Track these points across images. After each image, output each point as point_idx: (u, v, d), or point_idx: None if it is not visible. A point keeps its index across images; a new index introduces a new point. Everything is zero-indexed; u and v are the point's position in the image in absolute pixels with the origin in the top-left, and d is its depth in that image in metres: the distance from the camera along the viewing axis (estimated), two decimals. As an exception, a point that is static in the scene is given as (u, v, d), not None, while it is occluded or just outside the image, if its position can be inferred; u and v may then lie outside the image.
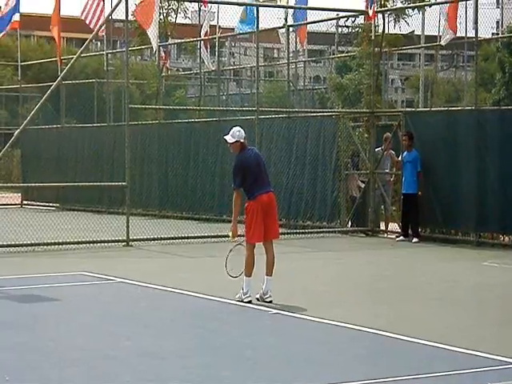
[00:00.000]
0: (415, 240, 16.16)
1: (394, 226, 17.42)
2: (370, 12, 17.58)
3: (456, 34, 17.01)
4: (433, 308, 9.91)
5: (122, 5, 16.17)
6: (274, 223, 10.11)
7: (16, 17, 23.57)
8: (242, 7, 22.22)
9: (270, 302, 9.79)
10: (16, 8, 23.14)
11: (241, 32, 22.81)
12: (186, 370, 7.02)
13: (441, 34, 19.63)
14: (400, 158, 16.83)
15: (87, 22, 22.15)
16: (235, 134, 10.04)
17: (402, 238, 16.45)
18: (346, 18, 22.25)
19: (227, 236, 16.76)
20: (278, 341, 8.19)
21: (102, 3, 21.83)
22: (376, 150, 17.62)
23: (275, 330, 8.70)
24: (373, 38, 18.24)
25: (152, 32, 19.07)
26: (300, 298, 10.38)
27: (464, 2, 19.14)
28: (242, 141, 10.06)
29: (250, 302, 9.80)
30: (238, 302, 9.86)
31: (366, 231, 17.54)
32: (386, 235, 17.40)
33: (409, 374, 6.85)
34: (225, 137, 10.14)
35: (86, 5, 22.15)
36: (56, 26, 22.30)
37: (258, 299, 9.87)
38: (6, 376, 6.79)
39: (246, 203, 10.12)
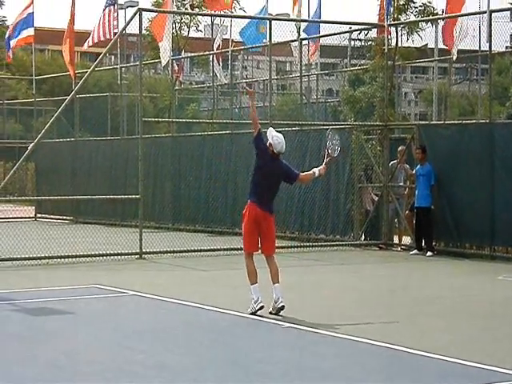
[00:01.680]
0: (429, 254, 16.09)
1: (407, 240, 17.37)
2: (386, 24, 17.58)
3: (451, 49, 17.01)
4: (447, 322, 9.85)
5: (136, 19, 16.24)
6: (269, 240, 10.02)
7: (30, 31, 23.77)
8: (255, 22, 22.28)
9: (283, 307, 9.74)
10: (27, 23, 23.31)
11: (244, 41, 22.84)
12: (199, 384, 7.00)
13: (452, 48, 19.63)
14: (413, 172, 16.79)
15: (96, 37, 22.25)
16: (283, 147, 9.98)
17: (415, 251, 16.39)
18: (358, 32, 22.26)
19: (240, 249, 16.78)
20: (291, 355, 8.16)
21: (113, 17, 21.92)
22: (391, 163, 17.58)
23: (288, 343, 8.67)
24: (386, 51, 18.24)
25: (163, 46, 19.16)
26: (313, 311, 10.34)
27: (478, 16, 19.15)
28: (274, 152, 9.99)
29: (262, 307, 9.75)
30: (250, 316, 9.83)
31: (379, 244, 17.49)
32: (399, 249, 17.34)
33: (423, 389, 6.80)
34: (273, 143, 9.98)
35: (100, 20, 22.27)
36: (68, 39, 22.44)
37: (271, 312, 9.83)
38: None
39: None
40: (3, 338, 8.87)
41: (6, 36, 24.53)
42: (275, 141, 10.00)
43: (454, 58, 16.99)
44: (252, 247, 10.01)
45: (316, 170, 10.22)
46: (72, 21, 22.87)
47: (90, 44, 22.38)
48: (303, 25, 22.88)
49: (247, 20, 22.19)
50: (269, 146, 10.04)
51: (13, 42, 24.07)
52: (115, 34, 20.80)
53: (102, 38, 21.96)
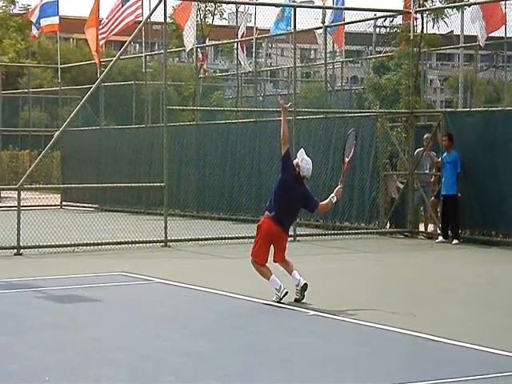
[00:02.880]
0: (455, 242, 16.02)
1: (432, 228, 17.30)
2: (413, 10, 17.48)
3: (488, 34, 16.87)
4: (473, 310, 9.81)
5: (161, 7, 16.25)
6: (281, 250, 10.05)
7: (55, 20, 23.84)
8: (279, 8, 22.23)
9: (305, 285, 9.77)
10: (52, 11, 23.35)
11: (276, 32, 22.80)
12: (224, 371, 7.02)
13: (479, 34, 19.46)
14: (439, 159, 16.70)
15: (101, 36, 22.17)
16: (305, 171, 9.93)
17: (441, 239, 16.32)
18: (383, 18, 22.14)
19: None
20: (316, 342, 8.16)
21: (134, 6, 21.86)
22: (416, 151, 17.49)
23: (313, 331, 8.67)
24: (411, 37, 18.13)
25: (187, 33, 19.16)
26: (338, 299, 10.34)
27: (504, 2, 18.96)
28: (300, 174, 9.93)
29: (287, 293, 9.76)
30: (275, 303, 9.83)
31: (404, 232, 17.43)
32: (425, 237, 17.27)
33: (448, 377, 6.78)
34: (302, 167, 9.93)
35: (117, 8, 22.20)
36: (93, 28, 22.45)
37: (296, 300, 9.82)
38: (47, 377, 6.85)
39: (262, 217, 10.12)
40: (30, 325, 8.95)
41: (35, 17, 24.47)
42: (304, 164, 9.90)
43: (482, 44, 16.83)
44: (265, 260, 10.04)
45: (333, 197, 10.05)
46: (97, 9, 22.89)
47: (114, 33, 22.33)
48: (328, 13, 22.79)
49: (272, 10, 22.08)
50: (296, 166, 9.96)
51: (42, 22, 24.03)
52: (139, 22, 20.78)
53: (126, 22, 21.82)
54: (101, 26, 22.22)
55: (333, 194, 10.10)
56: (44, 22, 24.10)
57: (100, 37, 22.11)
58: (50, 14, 23.63)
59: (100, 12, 23.03)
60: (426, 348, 7.92)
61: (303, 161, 9.94)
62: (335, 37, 23.36)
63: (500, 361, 7.38)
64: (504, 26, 18.80)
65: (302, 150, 10.20)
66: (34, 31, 25.33)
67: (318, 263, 10.67)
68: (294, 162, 10.01)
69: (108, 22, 21.94)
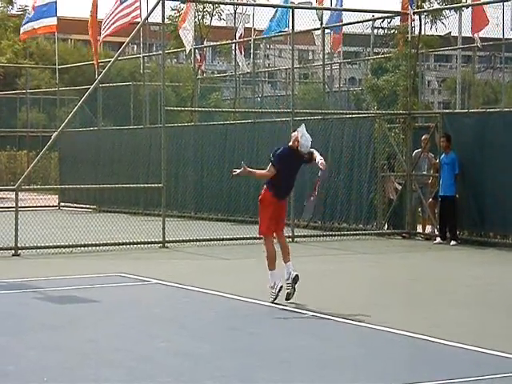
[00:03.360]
0: (453, 243, 16.03)
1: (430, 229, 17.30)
2: (411, 11, 17.48)
3: (477, 35, 16.90)
4: (471, 311, 9.82)
5: (159, 8, 16.25)
6: (283, 221, 10.30)
7: (53, 20, 23.80)
8: (276, 10, 22.23)
9: (297, 276, 9.78)
10: (49, 12, 23.29)
11: (269, 34, 22.77)
12: (222, 372, 7.02)
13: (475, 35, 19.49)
14: (437, 160, 16.71)
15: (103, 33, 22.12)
16: (303, 147, 9.93)
17: (439, 240, 16.33)
18: (381, 20, 22.16)
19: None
20: (314, 344, 8.16)
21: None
22: (414, 152, 17.50)
23: (311, 332, 8.67)
24: (409, 39, 18.14)
25: (184, 33, 19.14)
26: (335, 300, 10.34)
27: (501, 4, 18.99)
28: (298, 149, 9.95)
29: (281, 287, 9.78)
30: (273, 305, 9.83)
31: (402, 233, 17.44)
32: (422, 238, 17.27)
33: (447, 379, 6.78)
34: (301, 143, 9.91)
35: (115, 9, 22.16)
36: (92, 29, 22.46)
37: (288, 294, 9.80)
38: (45, 377, 6.85)
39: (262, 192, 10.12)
40: (28, 325, 8.94)
41: (26, 18, 24.43)
42: (304, 141, 9.89)
43: (479, 45, 16.85)
44: (271, 233, 10.14)
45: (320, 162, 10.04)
46: (95, 10, 22.89)
47: (108, 33, 22.26)
48: (325, 14, 22.80)
49: (270, 11, 22.07)
50: (294, 141, 9.95)
51: (28, 26, 23.93)
52: (137, 23, 20.78)
53: (120, 23, 21.77)
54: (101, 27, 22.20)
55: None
56: (40, 23, 24.02)
57: (101, 36, 22.07)
58: (48, 14, 23.57)
59: (98, 14, 23.06)
60: (424, 349, 7.92)
61: (303, 137, 9.91)
62: (333, 38, 23.40)
63: (497, 362, 7.39)
64: (502, 26, 18.86)
65: (303, 125, 10.14)
66: (21, 32, 25.25)
67: (315, 264, 10.68)
68: (293, 135, 9.98)
69: (106, 22, 21.89)
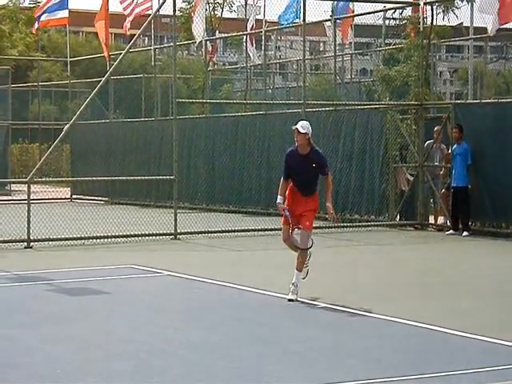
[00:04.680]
0: (465, 234, 15.98)
1: (442, 220, 17.24)
2: (422, 1, 17.41)
3: (502, 23, 16.77)
4: (483, 302, 9.79)
5: (170, 0, 16.24)
6: (306, 220, 9.84)
7: (65, 13, 23.83)
8: (288, 0, 22.20)
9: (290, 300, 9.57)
10: (62, 5, 23.33)
11: (283, 24, 22.74)
12: (234, 364, 7.02)
13: (489, 24, 19.36)
14: (449, 151, 16.66)
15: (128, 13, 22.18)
16: (305, 127, 9.79)
17: (451, 231, 16.28)
18: (393, 10, 22.07)
19: (274, 229, 16.75)
20: (327, 335, 8.15)
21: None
22: (426, 143, 17.44)
23: (323, 324, 8.67)
24: (421, 29, 18.06)
25: (196, 25, 19.12)
26: (348, 291, 10.33)
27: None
28: (309, 135, 9.80)
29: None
30: (284, 296, 9.82)
31: (414, 225, 17.40)
32: (435, 229, 17.23)
33: (462, 369, 6.76)
34: (296, 126, 9.82)
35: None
36: (102, 21, 22.45)
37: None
38: (58, 369, 6.86)
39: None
40: (40, 317, 8.97)
41: (39, 12, 24.50)
42: (305, 125, 9.77)
43: (492, 34, 16.74)
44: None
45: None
46: (106, 2, 22.89)
47: (129, 26, 22.35)
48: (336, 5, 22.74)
49: (281, 2, 22.05)
50: (304, 134, 9.74)
51: (44, 17, 24.00)
52: (148, 15, 20.79)
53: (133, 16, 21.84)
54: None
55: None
56: (53, 15, 24.05)
57: (126, 11, 22.10)
58: (60, 7, 23.60)
59: (109, 5, 23.06)
60: (436, 340, 7.90)
61: (298, 128, 9.76)
62: (342, 29, 23.33)
63: (511, 352, 7.36)
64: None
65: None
66: (36, 25, 25.30)
67: (327, 256, 10.67)
68: (296, 136, 9.81)
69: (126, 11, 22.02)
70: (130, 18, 22.08)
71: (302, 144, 9.80)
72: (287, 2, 22.27)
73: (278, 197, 10.02)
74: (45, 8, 24.06)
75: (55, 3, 23.51)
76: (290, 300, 9.51)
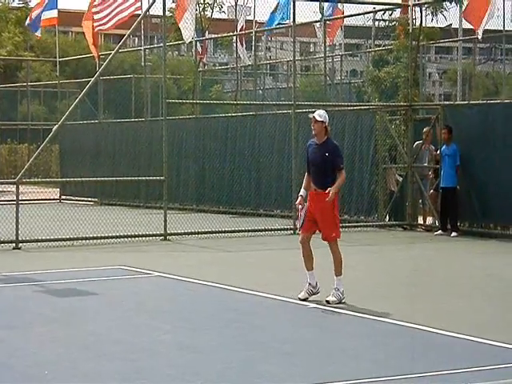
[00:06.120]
0: (454, 234, 16.03)
1: (431, 220, 17.29)
2: (411, 3, 17.46)
3: (477, 28, 16.84)
4: (472, 302, 9.82)
5: (159, 0, 16.22)
6: (324, 225, 9.77)
7: (54, 13, 23.76)
8: (277, 1, 22.19)
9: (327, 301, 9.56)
10: (50, 5, 23.24)
11: (271, 26, 22.74)
12: (225, 365, 7.02)
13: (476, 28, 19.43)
14: (438, 152, 16.71)
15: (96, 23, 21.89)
16: (322, 115, 9.72)
17: (440, 232, 16.33)
18: (382, 12, 22.12)
19: (264, 230, 16.75)
20: (317, 335, 8.17)
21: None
22: (415, 143, 17.49)
23: (314, 324, 8.68)
24: (410, 31, 18.11)
25: (185, 25, 19.06)
26: (338, 292, 10.32)
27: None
28: (327, 124, 9.72)
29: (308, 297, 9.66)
30: (275, 297, 9.83)
31: (403, 225, 17.44)
32: (423, 229, 17.27)
33: (450, 369, 6.79)
34: (313, 114, 9.74)
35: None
36: (90, 21, 22.30)
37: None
38: (46, 371, 6.85)
39: None
40: (29, 318, 8.95)
41: (33, 16, 24.41)
42: (322, 114, 9.73)
43: (480, 37, 16.83)
44: (303, 230, 9.90)
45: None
46: (93, 2, 22.79)
47: (110, 26, 22.12)
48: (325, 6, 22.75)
49: (271, 3, 22.06)
50: (321, 122, 9.67)
51: (40, 20, 23.90)
52: (138, 15, 20.73)
53: (121, 17, 21.62)
54: (96, 13, 21.90)
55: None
56: (43, 16, 23.98)
57: (96, 24, 21.82)
58: (49, 7, 23.54)
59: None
60: (426, 340, 7.92)
61: (315, 116, 9.69)
62: (330, 30, 23.37)
63: (498, 353, 7.38)
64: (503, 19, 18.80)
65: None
66: (38, 33, 25.23)
67: (316, 256, 10.65)
68: (313, 125, 9.72)
69: (104, 10, 21.68)
70: (109, 24, 21.79)
71: (319, 132, 9.73)
72: (275, 3, 22.28)
73: (302, 190, 9.87)
74: (41, 8, 23.98)
75: (46, 3, 23.44)
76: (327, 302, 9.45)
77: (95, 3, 21.58)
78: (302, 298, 9.63)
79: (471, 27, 19.47)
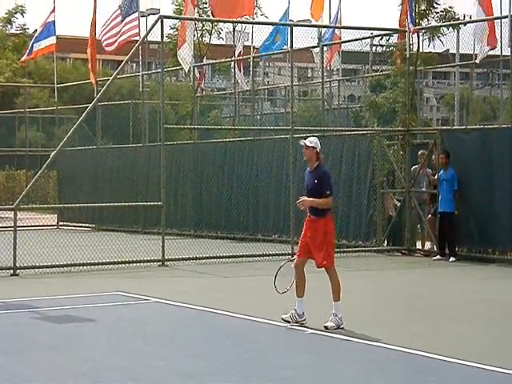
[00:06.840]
0: (452, 259, 16.00)
1: (429, 245, 17.25)
2: (411, 26, 17.51)
3: (495, 47, 16.98)
4: (471, 327, 9.77)
5: (158, 26, 16.28)
6: (315, 252, 9.74)
7: (52, 40, 23.86)
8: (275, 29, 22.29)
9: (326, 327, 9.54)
10: (47, 32, 23.35)
11: (264, 52, 22.82)
12: (222, 391, 6.97)
13: (476, 52, 19.54)
14: (436, 177, 16.71)
15: (104, 42, 22.09)
16: (313, 141, 9.72)
17: (438, 257, 16.30)
18: (380, 37, 22.20)
19: (261, 255, 16.70)
20: (315, 361, 8.11)
21: (119, 21, 21.74)
22: (413, 167, 17.50)
23: (311, 350, 8.63)
24: (408, 56, 18.18)
25: (183, 54, 19.16)
26: (336, 317, 10.27)
27: (499, 20, 19.04)
28: (318, 150, 9.71)
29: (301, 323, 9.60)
30: (273, 322, 9.78)
31: (402, 250, 17.41)
32: (422, 254, 17.24)
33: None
34: (303, 140, 9.75)
35: (105, 25, 22.13)
36: (92, 48, 22.46)
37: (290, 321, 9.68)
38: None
39: None
40: (26, 345, 8.89)
41: (31, 41, 24.53)
42: (313, 140, 9.72)
43: (478, 61, 16.90)
44: (298, 255, 9.89)
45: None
46: (93, 29, 22.94)
47: (113, 49, 22.22)
48: (323, 32, 22.87)
49: (269, 29, 22.14)
50: (312, 148, 9.68)
51: (36, 46, 24.00)
52: (136, 41, 20.82)
53: (123, 39, 21.72)
54: (102, 30, 22.07)
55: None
56: (41, 44, 24.07)
57: (105, 43, 21.94)
58: (47, 34, 23.64)
59: (97, 33, 23.08)
60: (424, 366, 7.87)
61: (306, 142, 9.71)
62: (328, 55, 23.46)
63: (498, 378, 7.34)
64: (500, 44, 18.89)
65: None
66: (31, 55, 25.33)
67: (314, 281, 10.61)
68: (304, 151, 9.74)
69: (107, 34, 21.83)
70: (114, 45, 21.97)
71: (310, 158, 9.73)
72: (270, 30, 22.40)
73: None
74: (35, 36, 24.10)
75: (42, 31, 23.55)
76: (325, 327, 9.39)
77: (102, 28, 21.79)
78: (285, 319, 9.56)
79: (468, 52, 19.58)
